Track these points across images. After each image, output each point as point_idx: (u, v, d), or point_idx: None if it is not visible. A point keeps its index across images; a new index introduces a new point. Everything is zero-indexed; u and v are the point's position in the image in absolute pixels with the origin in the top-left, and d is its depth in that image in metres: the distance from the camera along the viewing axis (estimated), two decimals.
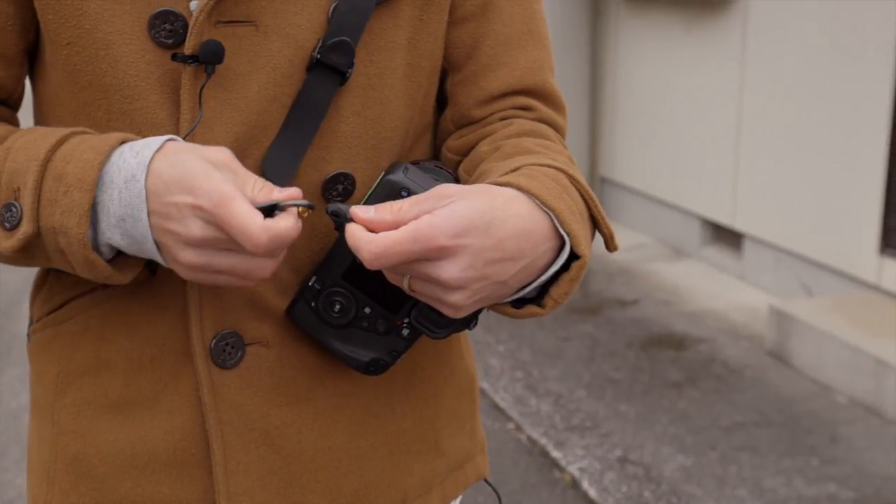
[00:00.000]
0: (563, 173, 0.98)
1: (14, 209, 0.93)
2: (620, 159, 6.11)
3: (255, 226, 0.84)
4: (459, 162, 1.11)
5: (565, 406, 3.81)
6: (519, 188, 0.93)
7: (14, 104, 1.08)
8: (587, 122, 6.19)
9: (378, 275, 0.97)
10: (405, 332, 1.03)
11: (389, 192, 0.94)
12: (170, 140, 0.91)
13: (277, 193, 0.88)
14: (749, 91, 4.92)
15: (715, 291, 5.00)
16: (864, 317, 4.02)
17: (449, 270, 0.87)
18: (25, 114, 1.09)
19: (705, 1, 5.15)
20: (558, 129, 1.13)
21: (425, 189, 0.92)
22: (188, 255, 0.89)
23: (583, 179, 1.00)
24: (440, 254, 0.86)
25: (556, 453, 3.51)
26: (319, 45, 0.98)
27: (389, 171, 0.97)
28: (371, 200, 0.95)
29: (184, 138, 0.96)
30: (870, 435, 3.56)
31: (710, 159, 5.25)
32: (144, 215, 0.89)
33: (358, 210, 0.89)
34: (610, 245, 1.01)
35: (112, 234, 0.91)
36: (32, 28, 1.01)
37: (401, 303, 1.01)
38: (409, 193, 0.93)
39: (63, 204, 0.90)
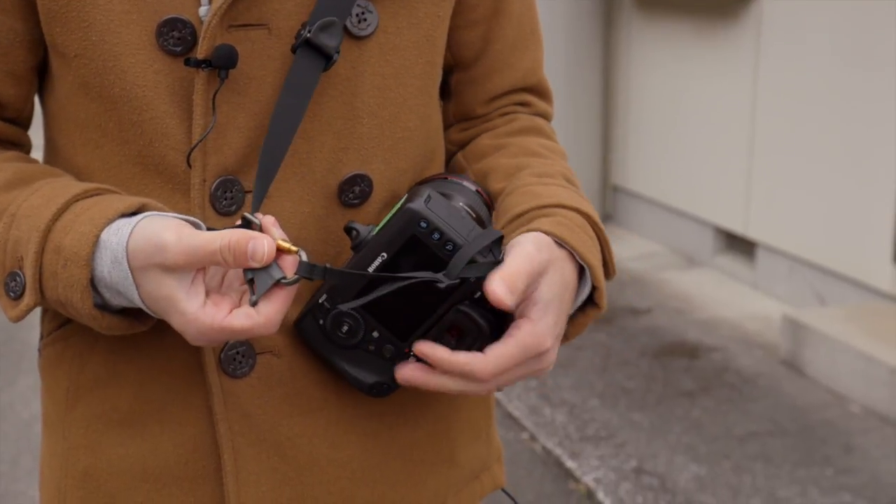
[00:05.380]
0: (587, 218, 1.04)
1: (18, 279, 0.93)
2: (633, 168, 6.10)
3: (269, 324, 0.88)
4: (455, 152, 1.16)
5: (579, 416, 3.80)
6: (563, 243, 0.98)
7: (24, 123, 1.07)
8: (600, 131, 6.18)
9: (391, 301, 0.95)
10: (413, 359, 0.99)
11: (408, 222, 0.92)
12: (140, 221, 0.90)
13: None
14: (762, 99, 4.91)
15: (728, 300, 4.98)
16: (879, 326, 4.00)
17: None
18: (35, 132, 1.09)
19: (718, 10, 5.14)
20: (548, 118, 1.21)
21: (451, 227, 0.92)
22: (197, 342, 0.92)
23: (595, 214, 1.05)
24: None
25: (570, 463, 3.49)
26: (308, 25, 0.95)
27: (410, 198, 0.94)
28: (387, 227, 0.93)
29: (197, 144, 0.95)
30: (885, 444, 3.53)
31: (723, 167, 5.24)
32: (136, 296, 0.90)
33: (426, 348, 0.96)
34: (608, 273, 1.07)
35: (119, 301, 0.93)
36: (41, 45, 1.01)
37: (411, 330, 0.97)
38: (429, 226, 0.92)
39: (63, 278, 0.90)
